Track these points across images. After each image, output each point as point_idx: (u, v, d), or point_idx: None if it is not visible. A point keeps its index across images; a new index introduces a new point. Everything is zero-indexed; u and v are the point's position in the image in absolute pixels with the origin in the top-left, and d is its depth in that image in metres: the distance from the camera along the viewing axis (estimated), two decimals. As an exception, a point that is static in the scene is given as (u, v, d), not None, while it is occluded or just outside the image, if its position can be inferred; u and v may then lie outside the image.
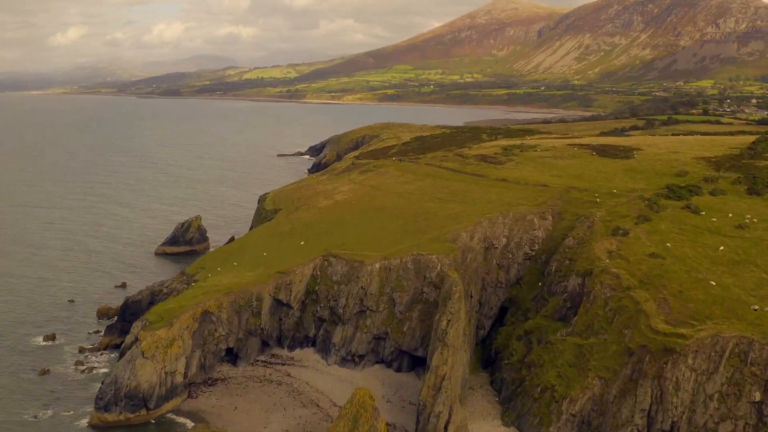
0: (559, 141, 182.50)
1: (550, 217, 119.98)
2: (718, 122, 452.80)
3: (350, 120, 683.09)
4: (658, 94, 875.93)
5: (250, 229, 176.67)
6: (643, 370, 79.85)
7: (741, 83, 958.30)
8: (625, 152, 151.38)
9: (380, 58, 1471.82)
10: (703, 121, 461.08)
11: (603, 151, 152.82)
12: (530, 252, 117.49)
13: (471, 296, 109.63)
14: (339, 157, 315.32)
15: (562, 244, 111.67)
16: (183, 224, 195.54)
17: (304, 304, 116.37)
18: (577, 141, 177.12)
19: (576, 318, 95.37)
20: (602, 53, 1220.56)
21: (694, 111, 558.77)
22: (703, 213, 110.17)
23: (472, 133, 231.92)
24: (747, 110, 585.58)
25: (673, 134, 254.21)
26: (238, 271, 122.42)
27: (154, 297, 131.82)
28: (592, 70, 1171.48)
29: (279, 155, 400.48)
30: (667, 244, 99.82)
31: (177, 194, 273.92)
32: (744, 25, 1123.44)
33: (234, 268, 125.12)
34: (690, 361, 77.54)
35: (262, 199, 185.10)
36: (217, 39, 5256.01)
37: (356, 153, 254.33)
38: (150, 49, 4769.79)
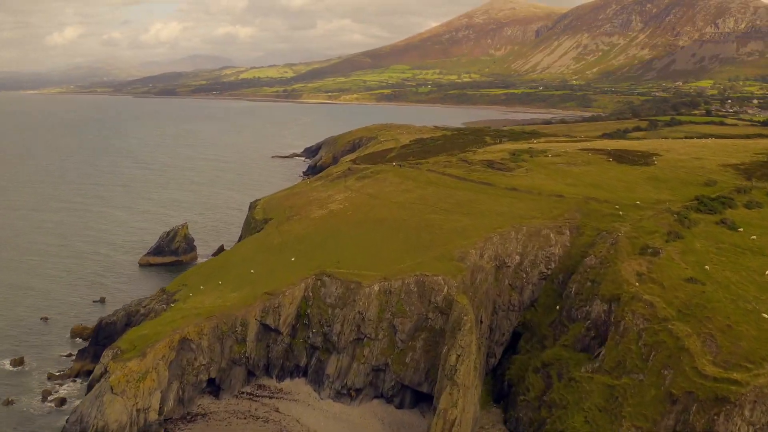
0: (570, 145, 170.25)
1: (568, 232, 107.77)
2: (722, 123, 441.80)
3: (347, 120, 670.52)
4: (657, 94, 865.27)
5: (239, 239, 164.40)
6: (689, 421, 67.51)
7: (741, 83, 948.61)
8: (644, 158, 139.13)
9: (377, 58, 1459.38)
10: (707, 122, 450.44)
11: (620, 156, 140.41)
12: (546, 271, 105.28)
13: (481, 321, 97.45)
14: (335, 160, 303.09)
15: (583, 264, 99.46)
16: (168, 233, 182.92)
17: (294, 329, 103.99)
18: (590, 145, 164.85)
19: (604, 352, 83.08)
20: (600, 53, 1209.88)
21: (696, 112, 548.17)
22: (741, 229, 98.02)
23: (474, 136, 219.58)
24: (750, 111, 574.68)
25: (686, 137, 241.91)
26: (222, 291, 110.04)
27: (130, 318, 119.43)
28: (590, 70, 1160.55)
29: (274, 156, 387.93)
30: (706, 266, 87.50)
31: (168, 197, 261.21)
32: (743, 25, 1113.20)
33: (218, 287, 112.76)
34: (747, 413, 65.23)
35: (252, 207, 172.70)
36: (214, 39, 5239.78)
37: (353, 156, 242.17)
38: (147, 49, 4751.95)
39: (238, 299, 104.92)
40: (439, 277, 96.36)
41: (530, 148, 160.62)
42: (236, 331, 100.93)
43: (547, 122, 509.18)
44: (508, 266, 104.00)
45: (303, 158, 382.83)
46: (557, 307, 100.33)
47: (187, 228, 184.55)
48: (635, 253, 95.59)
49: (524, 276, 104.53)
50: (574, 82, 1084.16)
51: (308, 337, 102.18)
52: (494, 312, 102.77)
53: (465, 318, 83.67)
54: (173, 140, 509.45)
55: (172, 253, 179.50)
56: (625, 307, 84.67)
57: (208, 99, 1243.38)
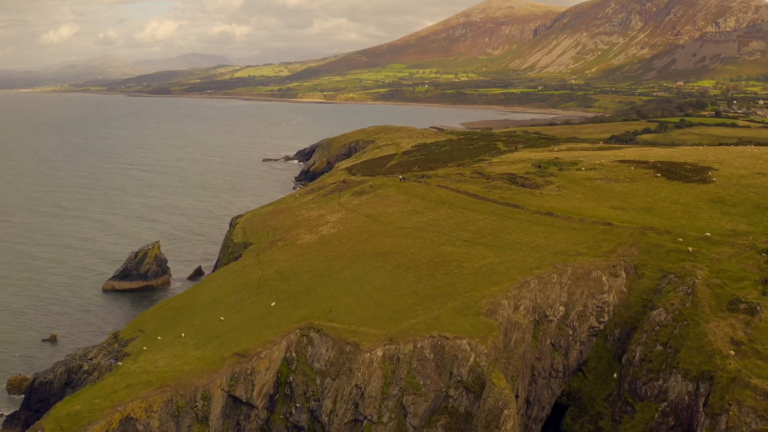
0: (602, 154, 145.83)
1: (623, 274, 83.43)
2: (734, 125, 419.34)
3: (343, 120, 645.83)
4: (659, 94, 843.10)
5: (215, 265, 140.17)
6: None
7: (743, 83, 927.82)
8: (698, 173, 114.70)
9: (374, 57, 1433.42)
10: (718, 124, 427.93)
11: (669, 171, 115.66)
12: (597, 325, 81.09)
13: (517, 396, 73.44)
14: (329, 165, 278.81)
15: (649, 319, 75.35)
16: (137, 254, 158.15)
17: (272, 402, 79.44)
18: (626, 155, 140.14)
19: (700, 460, 59.17)
20: (599, 52, 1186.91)
21: (705, 113, 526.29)
22: None
23: (485, 142, 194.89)
24: (760, 112, 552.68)
25: (721, 144, 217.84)
26: (183, 348, 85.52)
27: (71, 376, 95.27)
28: (589, 69, 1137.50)
29: (265, 160, 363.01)
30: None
31: (145, 206, 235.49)
32: (744, 25, 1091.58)
33: (178, 339, 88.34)
34: None
35: (232, 225, 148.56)
36: (209, 37, 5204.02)
37: (349, 163, 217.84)
38: (142, 47, 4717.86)
39: (200, 361, 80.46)
40: (464, 341, 71.85)
41: (557, 158, 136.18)
42: (196, 406, 76.45)
43: (551, 123, 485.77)
44: (550, 320, 79.65)
45: (296, 161, 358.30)
46: (615, 375, 76.29)
47: (158, 248, 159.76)
48: (722, 308, 71.56)
49: (570, 333, 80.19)
50: (573, 81, 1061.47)
51: (290, 414, 77.55)
52: (533, 380, 78.56)
53: (506, 412, 59.56)
54: (160, 141, 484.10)
55: (140, 277, 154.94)
56: (726, 395, 60.59)
57: (201, 98, 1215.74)
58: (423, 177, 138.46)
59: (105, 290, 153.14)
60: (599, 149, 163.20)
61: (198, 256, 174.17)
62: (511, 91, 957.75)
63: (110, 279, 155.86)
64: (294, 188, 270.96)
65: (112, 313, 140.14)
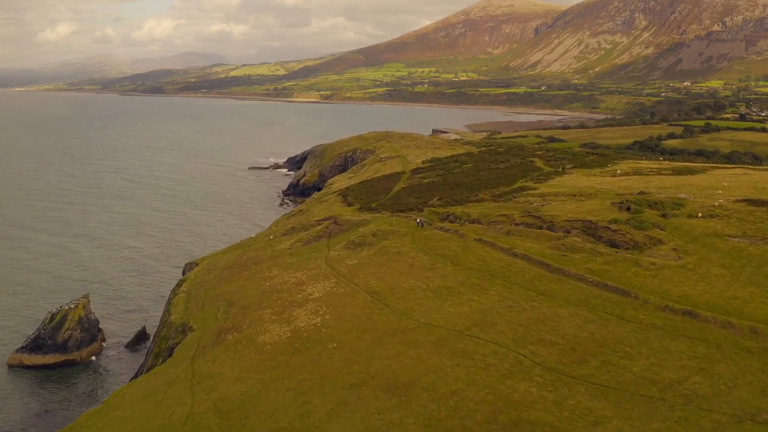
0: (693, 182, 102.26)
1: None
2: (764, 129, 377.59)
3: (339, 121, 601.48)
4: (668, 95, 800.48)
5: (143, 364, 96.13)
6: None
7: (753, 84, 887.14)
8: None
9: (372, 56, 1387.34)
10: (747, 128, 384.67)
11: None
12: None
13: None
14: (322, 178, 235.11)
15: None
16: (54, 315, 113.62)
17: None
18: (739, 186, 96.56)
19: None
20: (603, 52, 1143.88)
21: (727, 115, 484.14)
22: None
23: (518, 158, 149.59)
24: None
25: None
26: None
27: None
28: (592, 69, 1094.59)
29: (252, 168, 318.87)
30: None
31: (98, 226, 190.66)
32: (752, 24, 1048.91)
33: None
34: None
35: (181, 281, 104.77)
36: (207, 36, 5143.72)
37: (344, 181, 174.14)
38: (140, 46, 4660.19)
39: None
40: None
41: (643, 192, 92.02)
42: None
43: (565, 127, 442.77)
44: None
45: (285, 170, 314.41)
46: None
47: (82, 308, 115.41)
48: None
49: None
50: (576, 81, 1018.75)
51: None
52: None
53: None
54: (141, 143, 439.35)
55: (57, 349, 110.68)
56: None
57: (196, 97, 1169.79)
58: (448, 217, 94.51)
59: (10, 365, 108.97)
60: (679, 172, 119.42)
61: (146, 308, 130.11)
62: (513, 91, 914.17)
63: (18, 350, 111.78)
64: (280, 205, 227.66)
65: (11, 403, 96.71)
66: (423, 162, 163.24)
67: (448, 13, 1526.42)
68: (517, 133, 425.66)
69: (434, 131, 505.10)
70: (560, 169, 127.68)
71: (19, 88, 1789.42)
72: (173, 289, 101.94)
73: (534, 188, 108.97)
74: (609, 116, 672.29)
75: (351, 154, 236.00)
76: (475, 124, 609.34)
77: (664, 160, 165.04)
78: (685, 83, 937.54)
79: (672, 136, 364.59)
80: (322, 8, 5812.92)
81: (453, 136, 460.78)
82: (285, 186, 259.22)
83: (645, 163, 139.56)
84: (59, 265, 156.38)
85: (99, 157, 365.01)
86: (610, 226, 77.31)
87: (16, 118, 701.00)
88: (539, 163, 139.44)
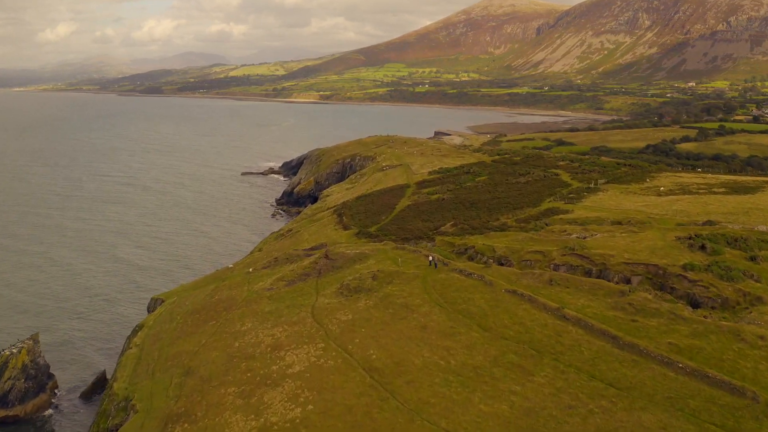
0: (759, 203, 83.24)
1: None
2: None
3: (339, 122, 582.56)
4: (673, 95, 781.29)
5: None
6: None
7: (759, 84, 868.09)
8: None
9: (372, 56, 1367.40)
10: (763, 131, 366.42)
11: None
12: None
13: None
14: (318, 186, 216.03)
15: None
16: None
17: None
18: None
19: None
20: (606, 52, 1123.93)
21: (740, 117, 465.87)
22: None
23: (540, 170, 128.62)
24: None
25: None
26: None
27: None
28: (595, 69, 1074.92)
29: (244, 173, 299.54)
30: None
31: (70, 241, 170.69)
32: (757, 23, 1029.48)
33: None
34: None
35: (134, 332, 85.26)
36: (207, 36, 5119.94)
37: (341, 194, 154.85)
38: (140, 46, 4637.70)
39: None
40: None
41: (726, 232, 72.52)
42: None
43: (573, 129, 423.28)
44: None
45: (280, 176, 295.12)
46: None
47: (28, 351, 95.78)
48: None
49: None
50: (579, 81, 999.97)
51: None
52: None
53: None
54: (132, 146, 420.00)
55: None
56: None
57: (194, 97, 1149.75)
58: (467, 251, 75.21)
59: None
60: (735, 190, 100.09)
61: (107, 347, 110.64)
62: (516, 91, 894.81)
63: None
64: (273, 215, 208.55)
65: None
66: (429, 173, 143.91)
67: (449, 13, 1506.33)
68: (523, 136, 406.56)
69: (436, 133, 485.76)
70: (592, 185, 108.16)
71: (17, 89, 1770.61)
72: (128, 338, 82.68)
73: (566, 211, 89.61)
74: (615, 117, 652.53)
75: (349, 160, 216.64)
76: (478, 125, 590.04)
77: (702, 171, 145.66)
78: (690, 84, 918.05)
79: (686, 139, 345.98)
80: (321, 8, 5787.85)
81: (456, 139, 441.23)
82: (279, 194, 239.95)
83: (687, 177, 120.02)
84: (17, 288, 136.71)
85: (85, 161, 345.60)
86: (685, 274, 57.93)
87: (11, 119, 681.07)
88: (565, 176, 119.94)
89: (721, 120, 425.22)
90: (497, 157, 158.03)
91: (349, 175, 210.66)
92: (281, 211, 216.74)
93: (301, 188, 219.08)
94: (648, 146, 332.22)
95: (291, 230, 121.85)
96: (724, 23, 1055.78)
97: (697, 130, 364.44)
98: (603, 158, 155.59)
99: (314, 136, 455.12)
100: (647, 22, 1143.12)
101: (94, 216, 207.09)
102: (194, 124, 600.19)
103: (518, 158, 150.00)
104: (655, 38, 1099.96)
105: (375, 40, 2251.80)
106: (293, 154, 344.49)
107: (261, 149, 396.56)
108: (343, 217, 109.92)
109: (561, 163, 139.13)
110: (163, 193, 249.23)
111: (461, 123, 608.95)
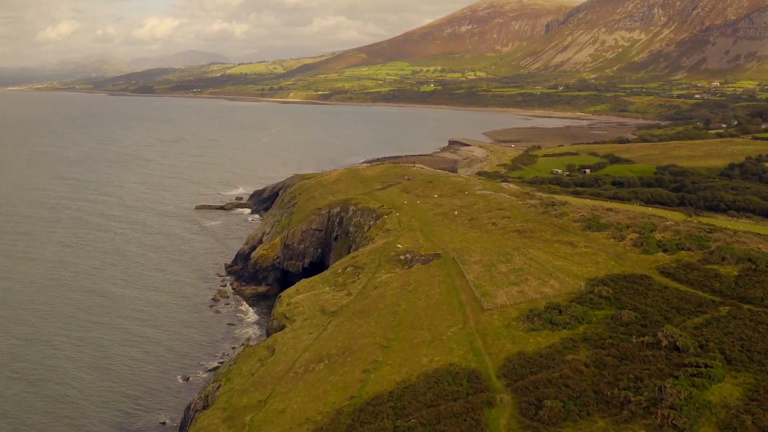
0: None
1: None
2: None
3: (335, 128, 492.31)
4: (703, 96, 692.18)
5: None
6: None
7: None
8: None
9: (374, 54, 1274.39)
10: None
11: None
12: None
13: None
14: (287, 253, 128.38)
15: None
16: None
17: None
18: None
19: None
20: (620, 49, 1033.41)
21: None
22: None
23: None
24: None
25: None
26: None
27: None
28: (609, 68, 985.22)
29: (199, 207, 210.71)
30: None
31: None
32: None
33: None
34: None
35: None
36: (208, 35, 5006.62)
37: (318, 309, 66.78)
38: (141, 45, 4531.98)
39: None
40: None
41: None
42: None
43: (621, 141, 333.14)
44: None
45: (248, 210, 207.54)
46: None
47: None
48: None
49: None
50: (593, 81, 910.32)
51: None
52: None
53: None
54: (78, 155, 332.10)
55: None
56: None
57: (186, 97, 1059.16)
58: None
59: None
60: None
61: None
62: (529, 91, 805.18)
63: None
64: (211, 306, 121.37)
65: None
66: (521, 316, 55.09)
67: (451, 12, 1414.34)
68: (562, 149, 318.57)
69: (451, 143, 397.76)
70: None
71: (11, 88, 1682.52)
72: None
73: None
74: (643, 121, 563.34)
75: (338, 210, 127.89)
76: (494, 131, 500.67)
77: None
78: (714, 83, 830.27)
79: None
80: (322, 8, 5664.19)
81: (477, 151, 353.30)
82: (234, 252, 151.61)
83: None
84: None
85: (17, 174, 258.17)
86: None
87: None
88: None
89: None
90: (670, 262, 66.21)
91: (337, 236, 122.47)
92: (231, 292, 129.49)
93: (262, 254, 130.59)
94: (731, 165, 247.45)
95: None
96: (746, 20, 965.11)
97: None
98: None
99: (303, 149, 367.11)
100: (663, 18, 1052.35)
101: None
102: (171, 127, 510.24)
103: (726, 267, 60.65)
104: (672, 35, 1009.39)
105: (378, 39, 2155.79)
106: (271, 175, 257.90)
107: (235, 165, 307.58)
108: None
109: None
110: (71, 246, 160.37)
111: (475, 128, 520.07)
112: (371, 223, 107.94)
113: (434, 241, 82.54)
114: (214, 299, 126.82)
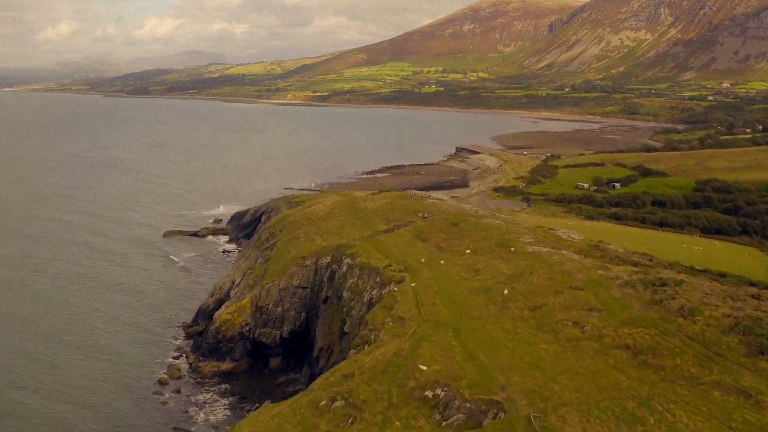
0: None
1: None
2: None
3: (333, 133, 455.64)
4: (716, 98, 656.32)
5: None
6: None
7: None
8: None
9: (374, 54, 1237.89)
10: None
11: None
12: None
13: None
14: (260, 317, 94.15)
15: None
16: None
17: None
18: None
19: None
20: (626, 50, 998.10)
21: None
22: None
23: None
24: None
25: None
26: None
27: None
28: (615, 68, 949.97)
29: (167, 234, 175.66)
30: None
31: None
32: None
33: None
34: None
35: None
36: (209, 35, 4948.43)
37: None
38: (141, 45, 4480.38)
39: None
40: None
41: None
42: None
43: (648, 149, 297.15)
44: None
45: (225, 237, 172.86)
46: None
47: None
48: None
49: None
50: (599, 82, 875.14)
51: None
52: None
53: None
54: (44, 160, 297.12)
55: None
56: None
57: (182, 98, 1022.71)
58: None
59: None
60: None
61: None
62: (534, 93, 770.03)
63: None
64: (158, 389, 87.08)
65: None
66: None
67: (452, 11, 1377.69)
68: (585, 158, 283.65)
69: (458, 150, 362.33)
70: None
71: (8, 89, 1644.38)
72: None
73: None
74: (664, 125, 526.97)
75: (329, 261, 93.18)
76: (503, 135, 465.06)
77: None
78: (724, 84, 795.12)
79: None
80: (321, 8, 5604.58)
81: (488, 160, 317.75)
82: (200, 301, 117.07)
83: None
84: None
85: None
86: None
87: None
88: None
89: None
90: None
91: (327, 298, 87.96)
92: (184, 369, 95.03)
93: (227, 320, 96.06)
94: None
95: None
96: (756, 19, 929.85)
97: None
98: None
99: (298, 157, 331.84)
100: (670, 18, 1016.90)
101: None
102: (158, 131, 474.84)
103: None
104: (679, 35, 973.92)
105: (378, 39, 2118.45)
106: (258, 188, 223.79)
107: (217, 175, 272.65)
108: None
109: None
110: (32, 281, 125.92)
111: (481, 132, 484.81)
112: (374, 293, 73.13)
113: (481, 358, 47.77)
114: (160, 381, 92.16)
